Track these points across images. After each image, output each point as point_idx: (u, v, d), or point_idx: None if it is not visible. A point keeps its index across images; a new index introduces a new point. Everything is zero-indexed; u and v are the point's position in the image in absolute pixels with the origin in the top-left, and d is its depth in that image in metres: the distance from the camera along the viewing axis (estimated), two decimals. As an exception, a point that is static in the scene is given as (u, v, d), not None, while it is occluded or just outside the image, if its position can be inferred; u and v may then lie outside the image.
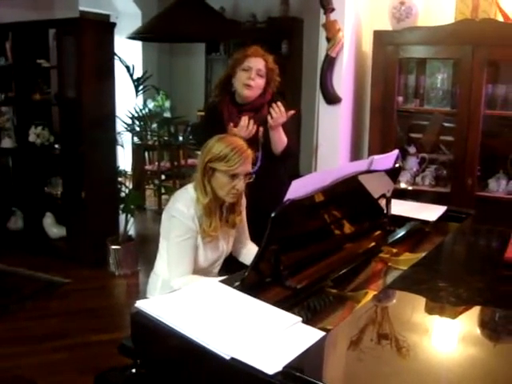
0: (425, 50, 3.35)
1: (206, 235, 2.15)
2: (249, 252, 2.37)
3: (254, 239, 2.41)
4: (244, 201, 2.35)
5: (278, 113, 2.62)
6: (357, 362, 1.34)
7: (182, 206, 2.13)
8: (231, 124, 2.65)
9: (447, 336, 1.50)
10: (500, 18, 3.16)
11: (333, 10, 3.32)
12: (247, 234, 2.43)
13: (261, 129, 2.74)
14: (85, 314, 3.71)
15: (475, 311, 1.65)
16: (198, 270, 2.21)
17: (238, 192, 2.14)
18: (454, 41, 3.19)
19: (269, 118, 2.64)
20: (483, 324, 1.57)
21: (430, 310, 1.66)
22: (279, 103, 2.63)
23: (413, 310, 1.66)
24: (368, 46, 3.55)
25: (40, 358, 3.13)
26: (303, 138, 5.81)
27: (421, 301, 1.72)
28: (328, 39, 3.35)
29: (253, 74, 2.68)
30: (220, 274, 2.33)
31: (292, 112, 2.66)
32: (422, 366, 1.32)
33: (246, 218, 2.40)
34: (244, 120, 2.63)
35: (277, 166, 2.83)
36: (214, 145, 2.11)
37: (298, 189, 1.67)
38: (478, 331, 1.53)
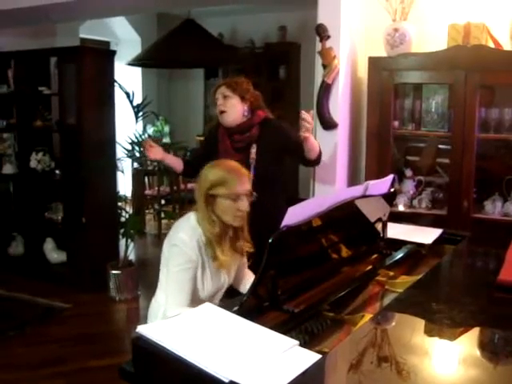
0: (419, 76, 3.41)
1: (219, 263, 2.11)
2: (247, 281, 2.33)
3: (254, 261, 2.38)
4: None
5: (311, 121, 2.69)
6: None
7: (185, 236, 2.10)
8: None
9: (447, 358, 1.50)
10: (491, 45, 3.23)
11: (328, 37, 3.38)
12: (246, 263, 2.40)
13: (252, 150, 2.80)
14: (84, 340, 3.70)
15: (474, 333, 1.65)
16: (198, 302, 2.20)
17: (243, 213, 2.11)
18: (447, 66, 3.25)
19: (303, 131, 2.71)
20: (482, 346, 1.57)
21: (429, 332, 1.67)
22: (311, 111, 2.71)
23: (412, 332, 1.67)
24: (363, 72, 3.60)
25: (38, 384, 3.11)
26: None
27: (420, 323, 1.73)
28: (324, 66, 3.40)
29: (219, 100, 2.82)
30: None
31: (311, 112, 2.74)
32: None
33: None
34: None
35: (270, 187, 2.84)
36: (209, 172, 2.12)
37: (294, 215, 1.70)
38: (477, 353, 1.53)
